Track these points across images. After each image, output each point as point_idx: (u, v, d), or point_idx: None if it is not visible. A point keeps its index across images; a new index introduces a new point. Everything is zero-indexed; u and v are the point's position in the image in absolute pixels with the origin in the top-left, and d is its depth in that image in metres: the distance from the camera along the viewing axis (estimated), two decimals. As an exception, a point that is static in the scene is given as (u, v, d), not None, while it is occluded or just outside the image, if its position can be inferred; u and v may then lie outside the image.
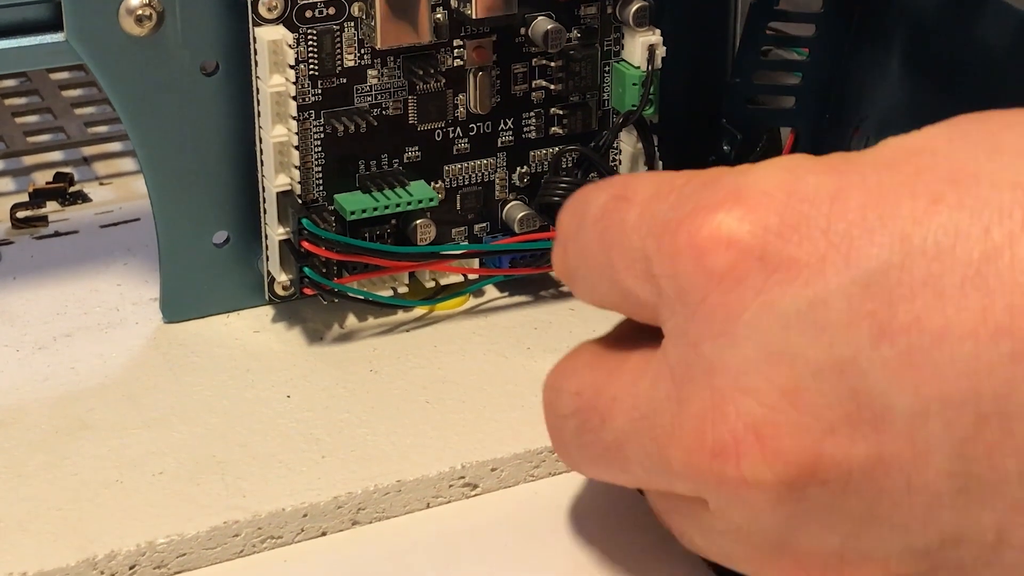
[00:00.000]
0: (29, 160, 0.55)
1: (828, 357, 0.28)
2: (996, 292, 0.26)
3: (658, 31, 0.44)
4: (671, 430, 0.30)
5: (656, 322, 0.31)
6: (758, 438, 0.28)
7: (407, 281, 0.44)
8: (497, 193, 0.45)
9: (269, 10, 0.40)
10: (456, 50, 0.43)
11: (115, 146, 0.56)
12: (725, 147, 0.48)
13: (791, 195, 0.29)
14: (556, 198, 0.43)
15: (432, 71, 0.42)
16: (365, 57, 0.42)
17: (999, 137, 0.28)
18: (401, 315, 0.44)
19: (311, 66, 0.41)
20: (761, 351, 0.29)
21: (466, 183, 0.44)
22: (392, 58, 0.42)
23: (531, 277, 0.46)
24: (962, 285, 0.27)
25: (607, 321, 0.34)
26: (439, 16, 0.42)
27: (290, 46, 0.40)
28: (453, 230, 0.45)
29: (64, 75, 0.61)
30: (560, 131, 0.45)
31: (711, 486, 0.30)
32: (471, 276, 0.44)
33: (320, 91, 0.41)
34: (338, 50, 0.41)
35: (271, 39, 0.40)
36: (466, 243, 0.45)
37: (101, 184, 0.54)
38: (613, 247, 0.32)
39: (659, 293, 0.31)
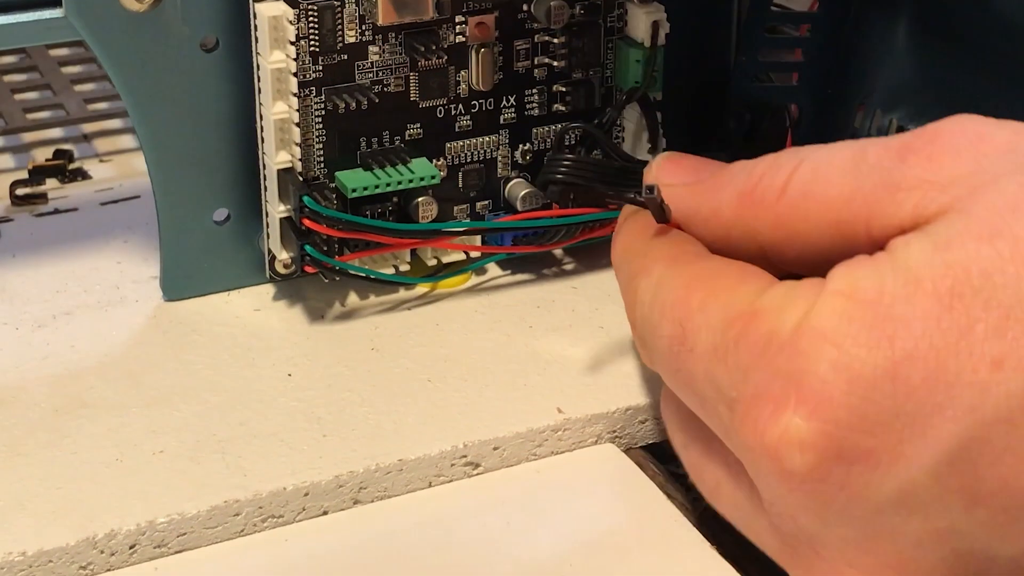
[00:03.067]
0: (29, 137, 0.55)
1: (925, 530, 0.29)
2: None
3: (662, 7, 0.44)
4: (783, 557, 0.32)
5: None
6: None
7: (409, 259, 0.44)
8: (499, 171, 0.45)
9: (269, -15, 0.40)
10: (458, 26, 0.42)
11: (115, 123, 0.56)
12: (732, 125, 0.47)
13: (852, 382, 0.28)
14: (559, 176, 0.43)
15: (434, 47, 0.42)
16: (366, 33, 0.41)
17: None
18: (403, 293, 0.44)
19: (312, 42, 0.41)
20: (857, 533, 0.30)
21: (468, 160, 0.44)
22: (393, 34, 0.42)
23: (533, 255, 0.46)
24: None
25: (610, 300, 0.34)
26: (441, -8, 0.42)
27: (291, 22, 0.40)
28: (455, 208, 0.44)
29: (64, 51, 0.61)
30: (563, 108, 0.45)
31: None
32: (473, 254, 0.44)
33: (321, 67, 0.41)
34: (339, 26, 0.41)
35: (271, 15, 0.40)
36: (468, 221, 0.45)
37: (101, 161, 0.53)
38: (690, 391, 0.33)
39: (740, 453, 0.31)
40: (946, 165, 0.30)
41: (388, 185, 0.42)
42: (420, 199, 0.43)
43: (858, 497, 0.29)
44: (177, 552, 0.36)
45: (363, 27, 0.41)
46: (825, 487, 0.29)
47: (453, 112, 0.43)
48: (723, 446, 0.33)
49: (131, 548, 0.35)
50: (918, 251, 0.29)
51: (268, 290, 0.44)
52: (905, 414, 0.28)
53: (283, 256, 0.43)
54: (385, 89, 0.42)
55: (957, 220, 0.29)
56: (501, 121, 0.44)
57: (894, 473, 0.28)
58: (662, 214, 0.35)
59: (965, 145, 0.30)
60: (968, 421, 0.28)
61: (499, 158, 0.45)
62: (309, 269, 0.42)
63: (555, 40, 0.44)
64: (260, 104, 0.41)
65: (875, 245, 0.30)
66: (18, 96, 0.58)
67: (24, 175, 0.52)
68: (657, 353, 0.33)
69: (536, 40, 0.44)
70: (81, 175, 0.52)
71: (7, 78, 0.59)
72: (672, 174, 0.35)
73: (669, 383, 0.34)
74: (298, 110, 0.41)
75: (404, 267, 0.44)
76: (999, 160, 0.29)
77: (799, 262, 0.32)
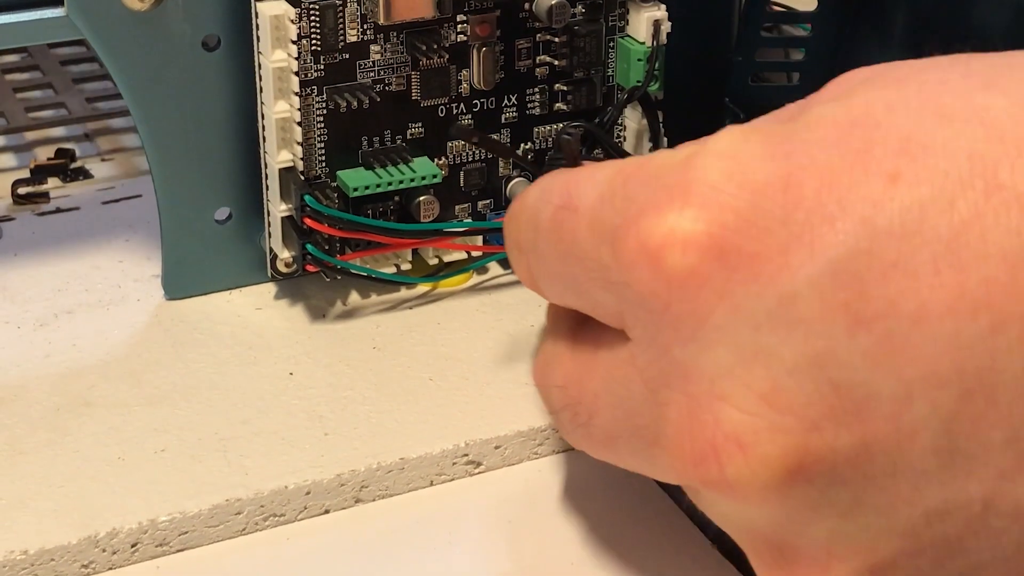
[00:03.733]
0: (30, 136, 0.55)
1: (804, 353, 0.27)
2: (969, 267, 0.26)
3: (663, 6, 0.44)
4: (653, 433, 0.30)
5: (623, 327, 0.30)
6: (740, 446, 0.28)
7: (410, 258, 0.44)
8: (501, 170, 0.45)
9: (271, -15, 0.40)
10: (460, 25, 0.42)
11: (117, 122, 0.56)
12: (728, 123, 0.47)
13: (742, 187, 0.28)
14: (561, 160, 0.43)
15: (435, 46, 0.42)
16: (368, 32, 0.41)
17: (940, 100, 0.27)
18: (404, 292, 0.44)
19: (313, 41, 0.41)
20: (733, 354, 0.28)
21: (469, 160, 0.44)
22: (395, 33, 0.42)
23: (535, 254, 0.46)
24: (934, 263, 0.26)
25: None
26: (442, -9, 0.42)
27: (292, 21, 0.40)
28: (456, 207, 0.44)
29: (66, 50, 0.61)
30: (564, 107, 0.45)
31: (697, 487, 0.29)
32: (474, 253, 0.44)
33: (323, 67, 0.41)
34: (341, 25, 0.41)
35: (273, 14, 0.40)
36: (469, 220, 0.45)
37: (103, 160, 0.53)
38: (570, 260, 0.31)
39: (622, 300, 0.30)
40: (864, 69, 0.30)
41: (390, 184, 0.42)
42: (422, 198, 0.43)
43: (737, 308, 0.27)
44: (179, 551, 0.36)
45: (364, 26, 0.41)
46: (705, 294, 0.28)
47: (455, 111, 0.43)
48: (601, 360, 0.32)
49: (133, 547, 0.35)
50: (821, 106, 0.29)
51: (270, 289, 0.45)
52: (794, 222, 0.27)
53: (285, 255, 0.43)
54: (387, 88, 0.42)
55: (861, 83, 0.29)
56: (502, 120, 0.44)
57: (776, 282, 0.27)
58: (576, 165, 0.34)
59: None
60: (859, 232, 0.27)
61: (500, 157, 0.45)
62: (310, 268, 0.42)
63: (556, 39, 0.44)
64: (262, 103, 0.41)
65: None
66: (20, 95, 0.58)
67: (26, 174, 0.52)
68: (539, 235, 0.32)
69: (537, 39, 0.44)
70: (83, 174, 0.52)
71: (9, 77, 0.59)
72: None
73: (548, 273, 0.32)
74: (300, 109, 0.41)
75: (405, 266, 0.44)
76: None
77: None
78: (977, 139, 0.26)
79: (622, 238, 0.29)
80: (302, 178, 0.42)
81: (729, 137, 0.29)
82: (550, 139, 0.45)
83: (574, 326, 0.33)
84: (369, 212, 0.43)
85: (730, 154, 0.28)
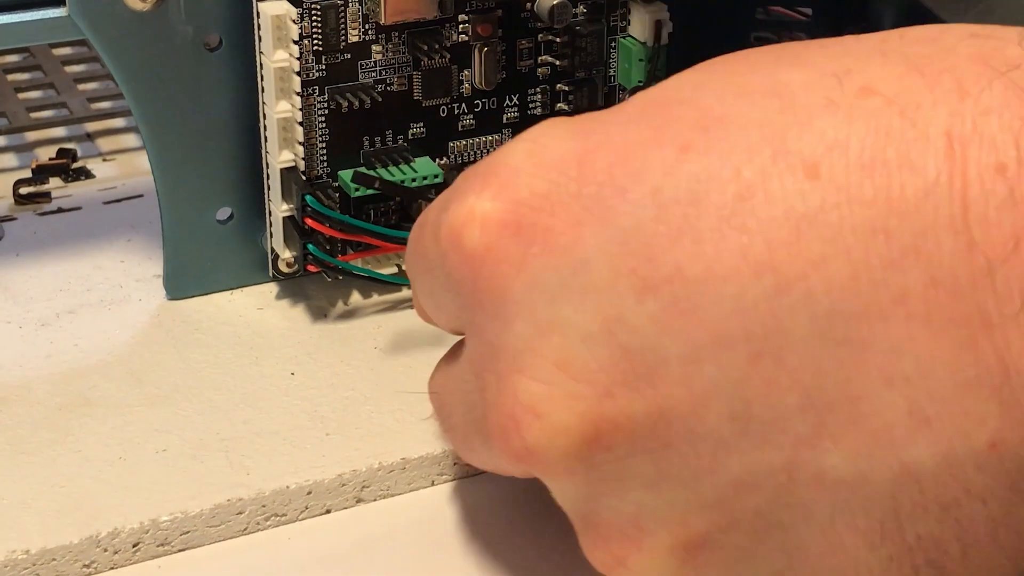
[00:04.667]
0: (32, 136, 0.55)
1: (595, 320, 0.27)
2: (753, 230, 0.26)
3: (664, 6, 0.44)
4: (483, 420, 0.30)
5: (459, 319, 0.32)
6: (536, 415, 0.28)
7: (412, 258, 0.44)
8: (502, 170, 0.45)
9: (273, -15, 0.40)
10: (461, 25, 0.42)
11: (118, 122, 0.56)
12: None
13: (538, 165, 0.29)
14: None
15: (437, 46, 0.42)
16: (369, 32, 0.41)
17: (745, 78, 0.28)
18: (405, 292, 0.44)
19: (315, 41, 0.41)
20: (532, 327, 0.28)
21: (471, 160, 0.44)
22: (397, 33, 0.42)
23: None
24: (719, 227, 0.26)
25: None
26: (444, -9, 0.42)
27: (294, 21, 0.40)
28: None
29: (67, 50, 0.61)
30: (566, 107, 0.45)
31: (512, 466, 0.30)
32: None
33: (324, 67, 0.41)
34: (342, 25, 0.41)
35: (275, 14, 0.40)
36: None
37: (104, 160, 0.53)
38: (424, 272, 0.32)
39: (453, 296, 0.31)
40: None
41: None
42: (423, 198, 0.43)
43: (534, 281, 0.28)
44: (180, 550, 0.36)
45: (366, 26, 0.41)
46: (502, 269, 0.29)
47: (456, 111, 0.43)
48: (454, 368, 0.33)
49: (134, 546, 0.35)
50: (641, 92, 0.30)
51: (271, 289, 0.45)
52: (586, 196, 0.28)
53: (286, 255, 0.43)
54: (388, 88, 0.42)
55: (690, 69, 0.30)
56: (504, 120, 0.44)
57: (569, 253, 0.28)
58: None
59: None
60: (646, 201, 0.27)
61: (502, 157, 0.45)
62: (312, 268, 0.42)
63: (558, 39, 0.44)
64: (263, 103, 0.41)
65: None
66: (21, 95, 0.58)
67: (28, 174, 0.52)
68: (409, 264, 0.34)
69: (539, 39, 0.44)
70: (84, 174, 0.52)
71: (10, 77, 0.59)
72: None
73: (421, 298, 0.34)
74: (301, 109, 0.41)
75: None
76: None
77: None
78: (771, 110, 0.27)
79: (438, 227, 0.30)
80: (303, 178, 0.42)
81: (543, 125, 0.30)
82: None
83: (449, 353, 0.35)
84: (370, 212, 0.43)
85: (535, 137, 0.29)
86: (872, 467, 0.26)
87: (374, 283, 0.44)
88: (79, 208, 0.50)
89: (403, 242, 0.42)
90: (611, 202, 0.28)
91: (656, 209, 0.27)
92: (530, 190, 0.29)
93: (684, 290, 0.27)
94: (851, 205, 0.26)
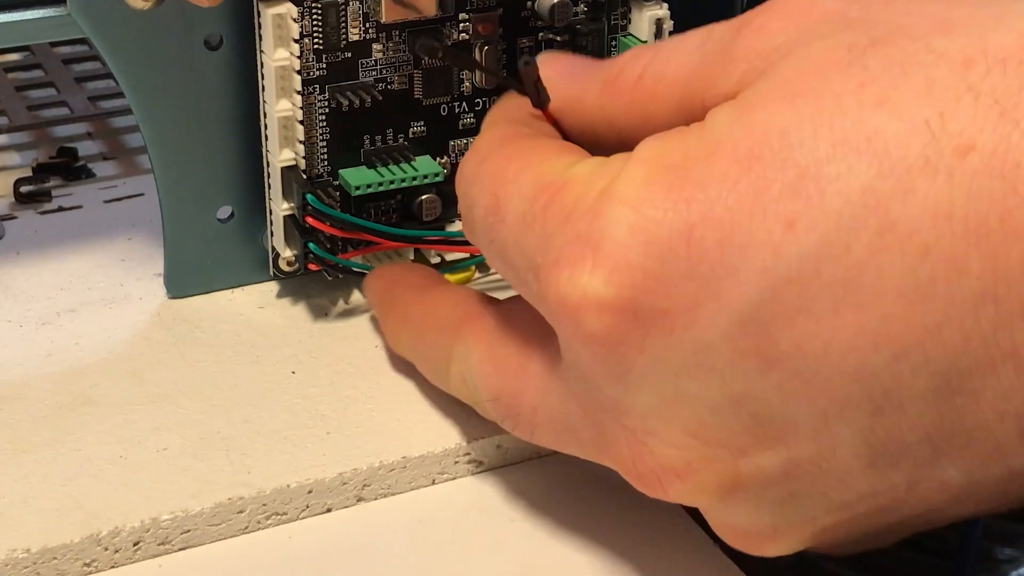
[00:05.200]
0: (33, 135, 0.55)
1: (722, 394, 0.29)
2: (868, 306, 0.27)
3: (665, 5, 0.44)
4: (597, 446, 0.32)
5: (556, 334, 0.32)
6: (677, 475, 0.30)
7: (412, 257, 0.44)
8: (503, 168, 0.45)
9: (273, -17, 0.40)
10: (462, 24, 0.42)
11: (119, 121, 0.56)
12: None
13: (647, 244, 0.29)
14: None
15: (438, 45, 0.42)
16: (370, 31, 0.41)
17: (835, 123, 0.28)
18: (406, 291, 0.44)
19: (316, 40, 0.41)
20: (658, 398, 0.30)
21: (472, 158, 0.44)
22: (397, 32, 0.42)
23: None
24: (834, 307, 0.27)
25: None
26: (445, -11, 0.42)
27: (295, 20, 0.40)
28: (459, 206, 0.44)
29: (68, 49, 0.61)
30: (566, 106, 0.45)
31: (643, 492, 0.32)
32: (476, 251, 0.44)
33: (325, 65, 0.41)
34: (343, 24, 0.41)
35: (275, 12, 0.40)
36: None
37: (105, 159, 0.53)
38: (503, 262, 0.33)
39: (552, 323, 0.31)
40: (772, 34, 0.30)
41: (392, 183, 0.42)
42: (424, 197, 0.43)
43: (656, 360, 0.29)
44: (181, 549, 0.36)
45: (367, 25, 0.41)
46: (624, 349, 0.29)
47: (457, 110, 0.43)
48: (534, 368, 0.33)
49: (135, 545, 0.35)
50: (723, 116, 0.29)
51: (272, 287, 0.44)
52: (699, 276, 0.28)
53: (287, 254, 0.43)
54: (389, 87, 0.42)
55: (763, 83, 0.29)
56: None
57: (690, 336, 0.28)
58: (537, 94, 0.35)
59: (793, 13, 0.30)
60: (761, 283, 0.28)
61: (503, 156, 0.45)
62: (313, 267, 0.42)
63: (558, 38, 0.44)
64: (264, 102, 0.41)
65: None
66: (22, 94, 0.58)
67: (28, 172, 0.52)
68: (475, 225, 0.33)
69: (540, 38, 0.44)
70: (85, 173, 0.52)
71: (11, 76, 0.59)
72: (552, 66, 0.36)
73: (486, 256, 0.34)
74: (302, 108, 0.41)
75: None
76: (818, 25, 0.30)
77: None
78: (869, 173, 0.27)
79: (543, 281, 0.31)
80: (304, 177, 0.42)
81: (634, 179, 0.29)
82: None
83: (489, 338, 0.35)
84: (371, 211, 0.43)
85: (634, 203, 0.29)
86: (985, 475, 0.29)
87: (375, 282, 0.44)
88: (80, 207, 0.50)
89: (404, 240, 0.42)
90: (724, 283, 0.28)
91: (770, 291, 0.28)
92: (643, 272, 0.29)
93: (805, 363, 0.28)
94: (960, 278, 0.26)
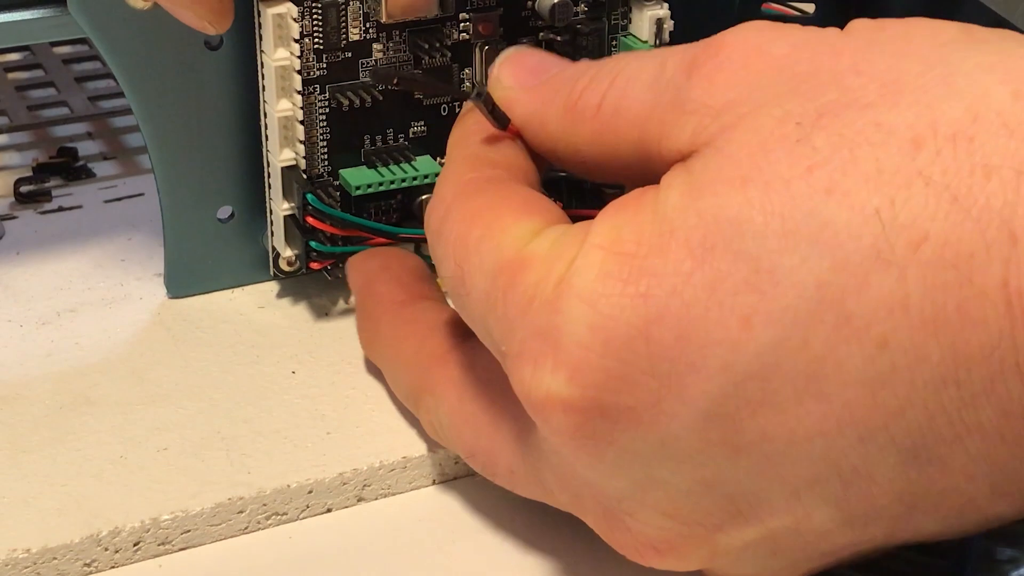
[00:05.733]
0: (33, 134, 0.55)
1: (693, 479, 0.29)
2: (831, 396, 0.27)
3: (665, 5, 0.44)
4: (577, 510, 0.33)
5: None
6: (656, 551, 0.31)
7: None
8: (503, 168, 0.45)
9: (274, -17, 0.40)
10: (462, 24, 0.42)
11: (119, 120, 0.56)
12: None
13: (607, 344, 0.28)
14: (561, 174, 0.43)
15: (438, 45, 0.42)
16: (370, 31, 0.41)
17: (784, 215, 0.27)
18: (406, 291, 0.44)
19: (316, 40, 0.41)
20: (631, 484, 0.30)
21: (472, 158, 0.44)
22: (398, 32, 0.42)
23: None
24: (797, 398, 0.27)
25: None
26: (445, -11, 0.42)
27: (295, 19, 0.40)
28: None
29: (68, 49, 0.61)
30: (567, 106, 0.45)
31: None
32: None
33: (325, 65, 0.41)
34: (343, 24, 0.41)
35: (276, 12, 0.40)
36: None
37: (105, 159, 0.53)
38: (472, 326, 0.33)
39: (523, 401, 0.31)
40: (720, 87, 0.29)
41: (392, 183, 0.42)
42: (424, 197, 0.43)
43: (626, 452, 0.29)
44: (181, 549, 0.36)
45: (367, 25, 0.41)
46: (593, 442, 0.29)
47: (457, 110, 0.43)
48: (506, 429, 0.33)
49: (135, 545, 0.35)
50: (676, 196, 0.29)
51: (272, 287, 0.44)
52: (661, 374, 0.28)
53: (287, 253, 0.43)
54: (389, 87, 0.42)
55: (712, 160, 0.29)
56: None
57: (656, 430, 0.29)
58: (496, 120, 0.35)
59: (741, 63, 0.30)
60: (721, 379, 0.28)
61: (503, 156, 0.45)
62: (313, 266, 0.42)
63: (559, 38, 0.44)
64: (264, 102, 0.41)
65: (665, 167, 0.30)
66: (22, 93, 0.58)
67: (28, 172, 0.52)
68: (444, 284, 0.33)
69: (540, 38, 0.44)
70: (85, 172, 0.52)
71: (11, 75, 0.59)
72: (514, 75, 0.35)
73: (459, 312, 0.34)
74: (302, 108, 0.41)
75: (408, 265, 0.44)
76: (768, 82, 0.29)
77: (616, 176, 0.33)
78: (823, 267, 0.27)
79: (509, 371, 0.31)
80: (304, 176, 0.42)
81: (590, 270, 0.29)
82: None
83: (459, 391, 0.35)
84: (371, 210, 0.43)
85: (591, 299, 0.29)
86: (962, 523, 0.29)
87: (375, 282, 0.44)
88: (80, 207, 0.50)
89: (404, 239, 0.42)
90: (686, 379, 0.28)
91: (732, 386, 0.28)
92: (604, 372, 0.29)
93: (773, 448, 0.28)
94: (920, 365, 0.27)
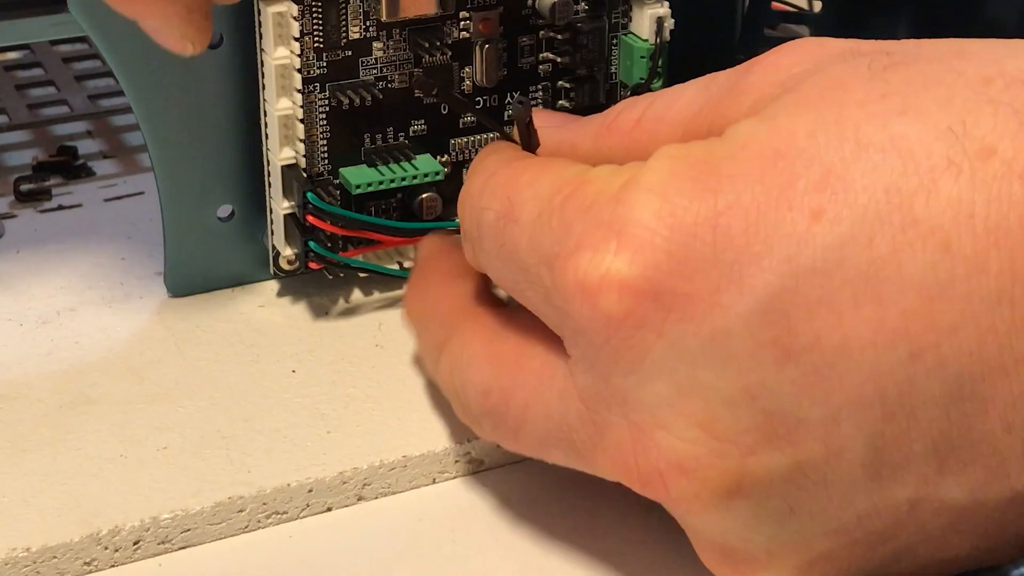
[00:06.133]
0: (33, 133, 0.55)
1: (737, 386, 0.29)
2: (888, 301, 0.27)
3: (666, 3, 0.44)
4: (593, 448, 0.32)
5: (560, 335, 0.32)
6: (682, 471, 0.30)
7: (412, 255, 0.44)
8: (503, 167, 0.45)
9: (274, -18, 0.40)
10: (462, 22, 0.42)
11: (119, 119, 0.56)
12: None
13: (673, 229, 0.29)
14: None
15: (438, 43, 0.42)
16: (371, 29, 0.41)
17: (859, 128, 0.28)
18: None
19: (316, 38, 0.41)
20: (672, 387, 0.29)
21: (472, 157, 0.44)
22: (398, 30, 0.42)
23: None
24: (855, 300, 0.28)
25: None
26: (445, -12, 0.42)
27: (295, 18, 0.40)
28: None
29: (68, 47, 0.61)
30: (567, 104, 0.45)
31: (642, 493, 0.31)
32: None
33: (325, 64, 0.41)
34: (343, 22, 0.41)
35: (276, 11, 0.40)
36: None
37: (105, 157, 0.53)
38: (512, 266, 0.32)
39: (562, 320, 0.31)
40: (785, 68, 0.31)
41: (392, 182, 0.42)
42: (424, 196, 0.43)
43: (673, 345, 0.29)
44: (181, 548, 0.36)
45: (367, 23, 0.41)
46: (641, 333, 0.29)
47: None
48: (530, 364, 0.33)
49: (135, 544, 0.35)
50: (746, 124, 0.30)
51: (272, 286, 0.44)
52: (723, 263, 0.28)
53: (287, 252, 0.43)
54: (389, 85, 0.42)
55: (783, 98, 0.30)
56: (505, 118, 0.44)
57: (709, 321, 0.28)
58: (528, 137, 0.35)
59: (800, 50, 0.31)
60: (783, 271, 0.28)
61: (503, 154, 0.45)
62: (313, 265, 0.42)
63: (559, 36, 0.44)
64: (264, 100, 0.41)
65: None
66: (22, 92, 0.58)
67: (28, 171, 0.52)
68: (483, 236, 0.33)
69: (540, 36, 0.44)
70: (85, 171, 0.52)
71: (11, 74, 0.59)
72: (542, 119, 0.36)
73: (491, 267, 0.34)
74: (302, 106, 0.41)
75: (408, 263, 0.44)
76: (831, 58, 0.31)
77: None
78: (894, 172, 0.28)
79: (560, 269, 0.30)
80: (305, 175, 0.42)
81: (659, 170, 0.30)
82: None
83: (488, 333, 0.35)
84: (372, 209, 0.43)
85: (660, 190, 0.29)
86: (987, 495, 0.29)
87: (375, 281, 0.44)
88: (80, 205, 0.50)
89: (405, 235, 0.42)
90: (748, 270, 0.28)
91: (793, 279, 0.28)
92: (667, 255, 0.29)
93: (823, 358, 0.28)
94: (979, 276, 0.27)
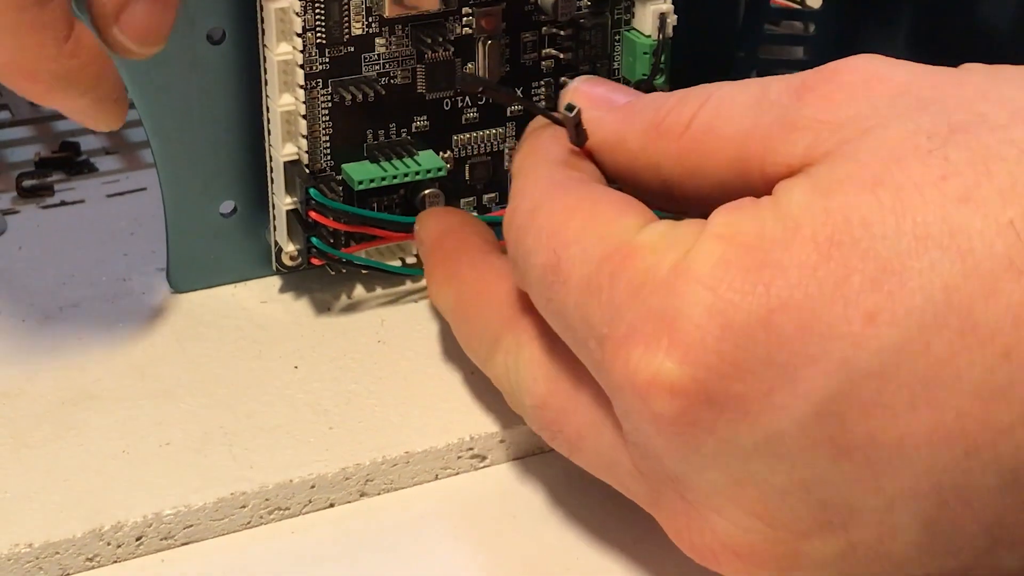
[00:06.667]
0: (35, 129, 0.55)
1: (791, 480, 0.29)
2: (945, 403, 0.27)
3: (669, -1, 0.44)
4: (646, 503, 0.32)
5: (611, 400, 0.31)
6: (737, 555, 0.30)
7: (415, 251, 0.44)
8: (506, 163, 0.45)
9: (276, -23, 0.40)
10: (465, 18, 0.42)
11: (121, 115, 0.56)
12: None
13: (725, 328, 0.28)
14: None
15: (441, 39, 0.42)
16: (373, 25, 0.41)
17: (918, 219, 0.27)
18: (409, 285, 0.44)
19: (318, 34, 0.41)
20: (725, 478, 0.29)
21: (475, 153, 0.44)
22: (400, 26, 0.42)
23: (540, 248, 0.45)
24: (912, 402, 0.27)
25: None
26: (448, -16, 0.42)
27: (297, 14, 0.40)
28: (462, 200, 0.44)
29: (70, 44, 0.61)
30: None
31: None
32: (480, 246, 0.44)
33: (328, 60, 0.41)
34: (346, 18, 0.41)
35: (278, 7, 0.40)
36: (475, 213, 0.45)
37: (108, 153, 0.53)
38: (560, 321, 0.32)
39: (611, 393, 0.31)
40: (839, 105, 0.30)
41: (395, 177, 0.42)
42: (427, 191, 0.43)
43: (726, 443, 0.29)
44: (184, 544, 0.36)
45: (370, 19, 0.41)
46: (694, 431, 0.29)
47: (460, 104, 0.43)
48: (587, 393, 0.32)
49: (138, 540, 0.35)
50: (800, 195, 0.29)
51: (274, 282, 0.44)
52: (777, 364, 0.28)
53: (289, 248, 0.43)
54: (392, 81, 0.42)
55: (841, 165, 0.28)
56: (508, 114, 0.44)
57: (763, 422, 0.28)
58: (577, 136, 0.35)
59: (860, 85, 0.30)
60: (839, 374, 0.27)
61: (506, 151, 0.45)
62: (315, 261, 0.42)
63: (562, 32, 0.44)
64: (267, 96, 0.41)
65: (768, 184, 0.30)
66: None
67: (31, 167, 0.52)
68: (529, 279, 0.33)
69: (543, 32, 0.44)
70: (88, 167, 0.52)
71: (14, 70, 0.59)
72: (589, 100, 0.35)
73: (540, 310, 0.33)
74: (305, 102, 0.41)
75: (410, 259, 0.44)
76: (890, 103, 0.29)
77: (699, 198, 0.32)
78: (953, 271, 0.27)
79: (611, 354, 0.30)
80: (307, 171, 0.42)
81: (709, 255, 0.29)
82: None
83: (546, 342, 0.34)
84: (374, 205, 0.43)
85: (711, 284, 0.28)
86: None
87: (377, 277, 0.44)
88: (82, 201, 0.50)
89: (407, 229, 0.42)
90: (803, 372, 0.28)
91: (848, 383, 0.27)
92: (718, 356, 0.28)
93: (878, 455, 0.28)
94: None
